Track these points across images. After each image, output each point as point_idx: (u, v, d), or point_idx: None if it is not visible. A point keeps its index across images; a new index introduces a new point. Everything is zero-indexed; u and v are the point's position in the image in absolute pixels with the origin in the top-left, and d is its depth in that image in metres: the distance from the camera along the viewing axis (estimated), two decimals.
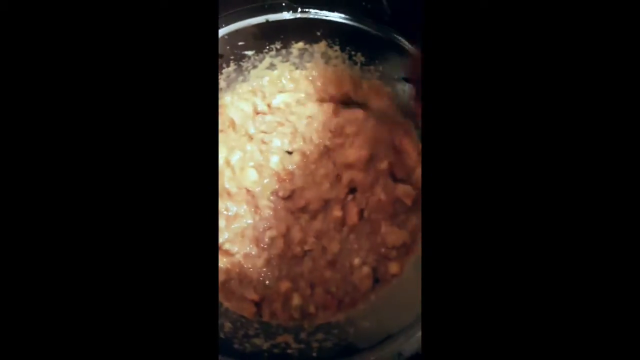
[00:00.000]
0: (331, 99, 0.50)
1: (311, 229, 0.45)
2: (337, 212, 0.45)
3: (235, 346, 0.38)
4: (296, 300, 0.42)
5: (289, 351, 0.39)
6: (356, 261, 0.44)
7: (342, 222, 0.45)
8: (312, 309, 0.43)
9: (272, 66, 0.49)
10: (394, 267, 0.44)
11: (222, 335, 0.39)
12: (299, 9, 0.44)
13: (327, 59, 0.48)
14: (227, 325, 0.40)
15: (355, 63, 0.48)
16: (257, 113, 0.50)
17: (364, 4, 0.61)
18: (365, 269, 0.43)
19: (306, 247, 0.45)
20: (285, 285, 0.43)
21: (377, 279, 0.44)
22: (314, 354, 0.39)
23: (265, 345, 0.39)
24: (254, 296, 0.43)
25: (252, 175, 0.47)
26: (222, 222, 0.46)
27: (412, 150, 0.47)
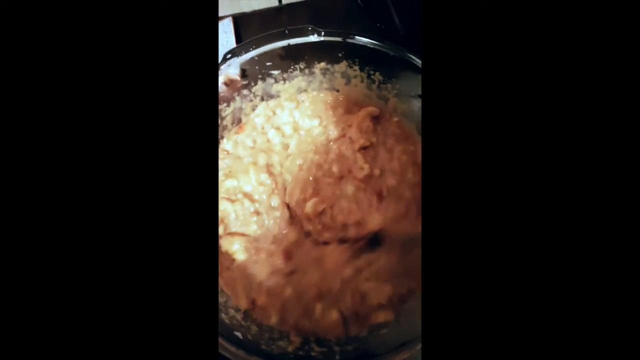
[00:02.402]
0: None
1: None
2: None
3: (263, 347, 0.39)
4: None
5: (312, 354, 0.41)
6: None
7: None
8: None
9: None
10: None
11: (249, 336, 0.40)
12: (322, 33, 0.47)
13: (347, 78, 0.51)
14: (254, 329, 0.42)
15: (374, 82, 0.51)
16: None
17: (378, 25, 0.64)
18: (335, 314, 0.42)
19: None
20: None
21: None
22: (337, 357, 0.40)
23: (290, 348, 0.41)
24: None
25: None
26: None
27: None
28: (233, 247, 0.46)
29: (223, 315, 0.41)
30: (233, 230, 0.47)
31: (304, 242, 0.46)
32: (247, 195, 0.48)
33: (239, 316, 0.43)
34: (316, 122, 0.51)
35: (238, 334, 0.40)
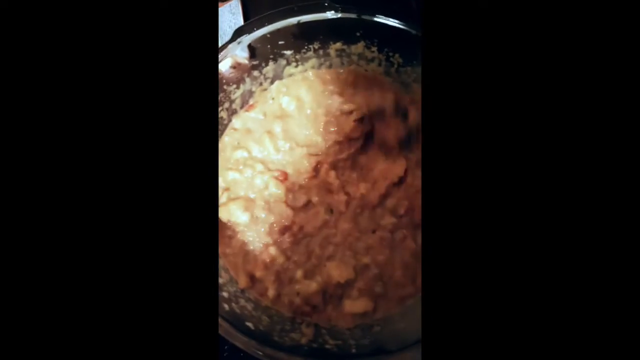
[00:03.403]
0: None
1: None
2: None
3: (275, 338, 0.37)
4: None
5: (327, 346, 0.39)
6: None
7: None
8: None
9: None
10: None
11: (261, 327, 0.38)
12: (340, 9, 0.45)
13: (365, 60, 0.49)
14: (265, 319, 0.40)
15: (393, 64, 0.48)
16: None
17: (394, 7, 0.62)
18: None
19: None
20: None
21: None
22: (353, 351, 0.38)
23: (303, 340, 0.39)
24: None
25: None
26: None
27: None
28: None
29: (234, 305, 0.39)
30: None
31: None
32: (258, 160, 0.47)
33: (249, 306, 0.41)
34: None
35: (249, 324, 0.38)
